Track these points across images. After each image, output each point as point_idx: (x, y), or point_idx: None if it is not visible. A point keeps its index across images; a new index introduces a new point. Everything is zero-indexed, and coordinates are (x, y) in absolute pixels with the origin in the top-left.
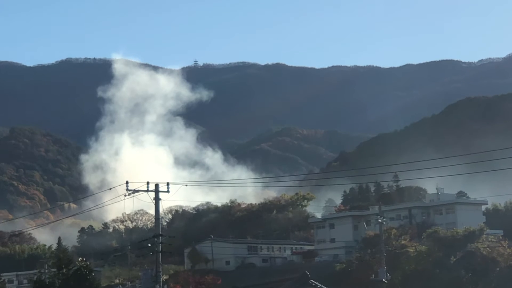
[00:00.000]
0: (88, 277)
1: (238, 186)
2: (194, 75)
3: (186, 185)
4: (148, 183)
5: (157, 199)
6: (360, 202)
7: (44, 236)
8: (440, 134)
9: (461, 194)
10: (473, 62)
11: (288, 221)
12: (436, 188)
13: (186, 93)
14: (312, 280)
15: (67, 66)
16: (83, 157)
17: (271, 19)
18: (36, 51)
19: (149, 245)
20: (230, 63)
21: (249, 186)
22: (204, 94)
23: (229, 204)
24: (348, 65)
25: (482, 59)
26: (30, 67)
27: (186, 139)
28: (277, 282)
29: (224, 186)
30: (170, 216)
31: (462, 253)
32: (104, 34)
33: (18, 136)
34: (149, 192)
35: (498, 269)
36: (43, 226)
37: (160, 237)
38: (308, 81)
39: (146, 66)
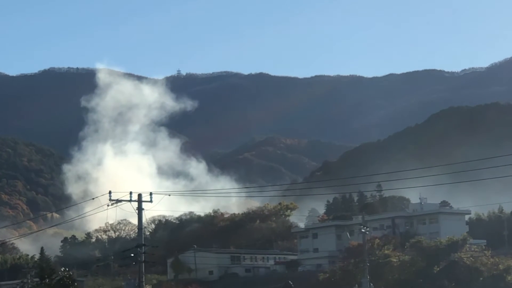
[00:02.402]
0: (71, 287)
1: (222, 196)
2: (177, 84)
3: (170, 195)
4: (131, 193)
5: (140, 209)
6: (343, 211)
7: (26, 246)
8: (423, 143)
9: (444, 203)
10: (456, 71)
11: (271, 231)
12: (419, 198)
13: (170, 103)
14: None
15: (50, 76)
16: (66, 167)
17: (253, 29)
18: (18, 60)
19: (132, 255)
20: (213, 73)
21: (233, 196)
22: (188, 104)
23: (212, 214)
24: (331, 74)
25: (465, 69)
26: (12, 76)
27: (169, 149)
28: None
29: (207, 196)
30: (153, 226)
31: (445, 262)
32: (87, 44)
33: (1, 145)
34: (132, 202)
35: (481, 278)
36: (26, 236)
37: (143, 247)
38: (291, 90)
39: (129, 76)
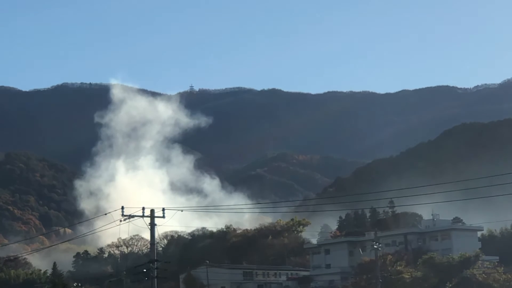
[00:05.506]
0: None
1: (234, 212)
2: (190, 100)
3: (182, 211)
4: (143, 208)
5: (152, 225)
6: (355, 228)
7: (39, 261)
8: (436, 160)
9: (456, 220)
10: (469, 88)
11: (284, 247)
12: (432, 214)
13: (184, 119)
14: None
15: (63, 91)
16: (78, 183)
17: (266, 45)
18: (31, 76)
19: (145, 270)
20: (225, 89)
21: (246, 212)
22: (202, 120)
23: (225, 230)
24: (344, 90)
25: (478, 85)
26: (25, 91)
27: (183, 165)
28: None
29: (220, 212)
30: (165, 241)
31: (457, 279)
32: (101, 60)
33: (14, 161)
34: (144, 218)
35: None
36: (38, 251)
37: (155, 263)
38: (304, 106)
39: (143, 91)
